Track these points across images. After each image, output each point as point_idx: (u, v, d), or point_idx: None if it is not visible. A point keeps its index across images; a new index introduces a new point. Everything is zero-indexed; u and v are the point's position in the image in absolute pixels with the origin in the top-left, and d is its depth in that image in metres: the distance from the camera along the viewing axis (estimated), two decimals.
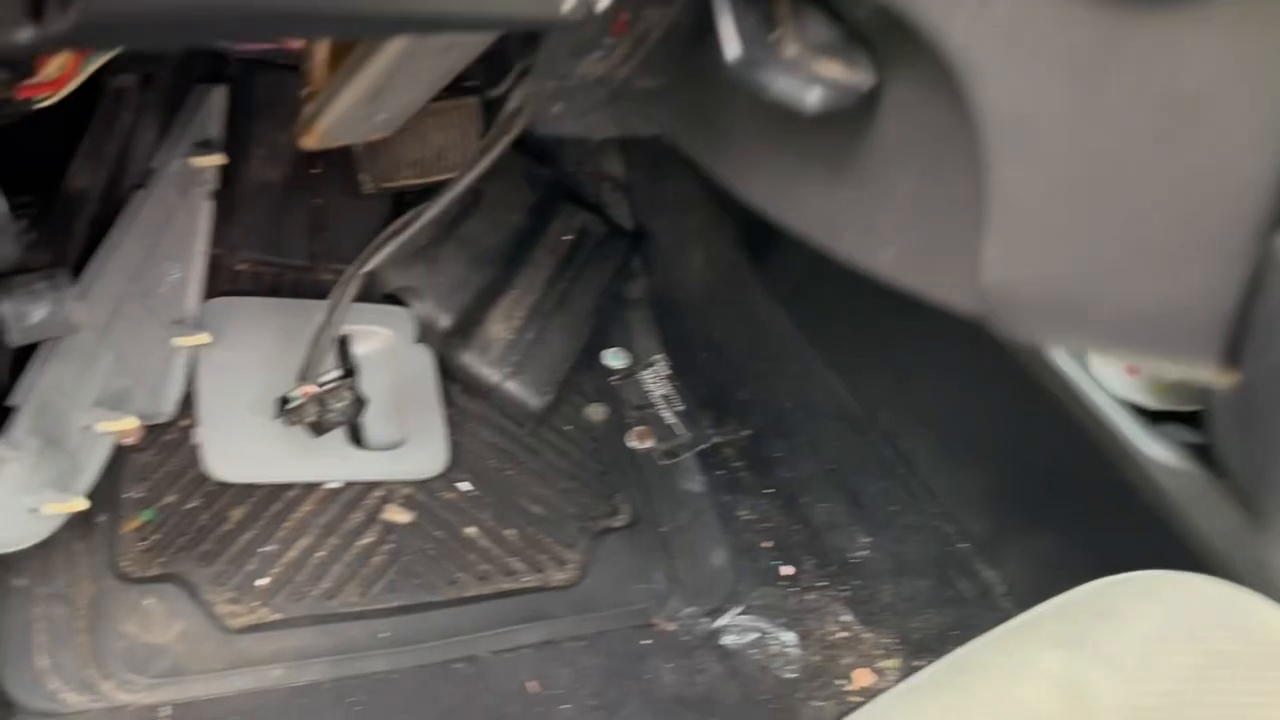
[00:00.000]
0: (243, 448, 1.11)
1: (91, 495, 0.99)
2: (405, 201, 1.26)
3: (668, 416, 1.37)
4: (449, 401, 1.26)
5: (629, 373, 1.39)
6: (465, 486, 1.22)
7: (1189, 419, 0.89)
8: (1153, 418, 1.00)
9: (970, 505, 1.15)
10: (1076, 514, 1.09)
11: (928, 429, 1.18)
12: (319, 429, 1.07)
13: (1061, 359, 1.00)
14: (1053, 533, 1.11)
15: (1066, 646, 0.70)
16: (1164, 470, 0.96)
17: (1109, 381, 1.02)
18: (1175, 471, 0.94)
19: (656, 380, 1.39)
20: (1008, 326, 0.73)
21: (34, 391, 0.96)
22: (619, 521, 1.27)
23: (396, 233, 1.06)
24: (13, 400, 0.96)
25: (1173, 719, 0.66)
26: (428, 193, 1.08)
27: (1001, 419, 1.10)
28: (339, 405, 1.04)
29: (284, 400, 1.07)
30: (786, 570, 1.26)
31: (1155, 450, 0.96)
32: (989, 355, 1.05)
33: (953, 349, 1.10)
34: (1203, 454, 0.85)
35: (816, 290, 1.26)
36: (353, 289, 1.06)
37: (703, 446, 1.35)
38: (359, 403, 1.08)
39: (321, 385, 1.05)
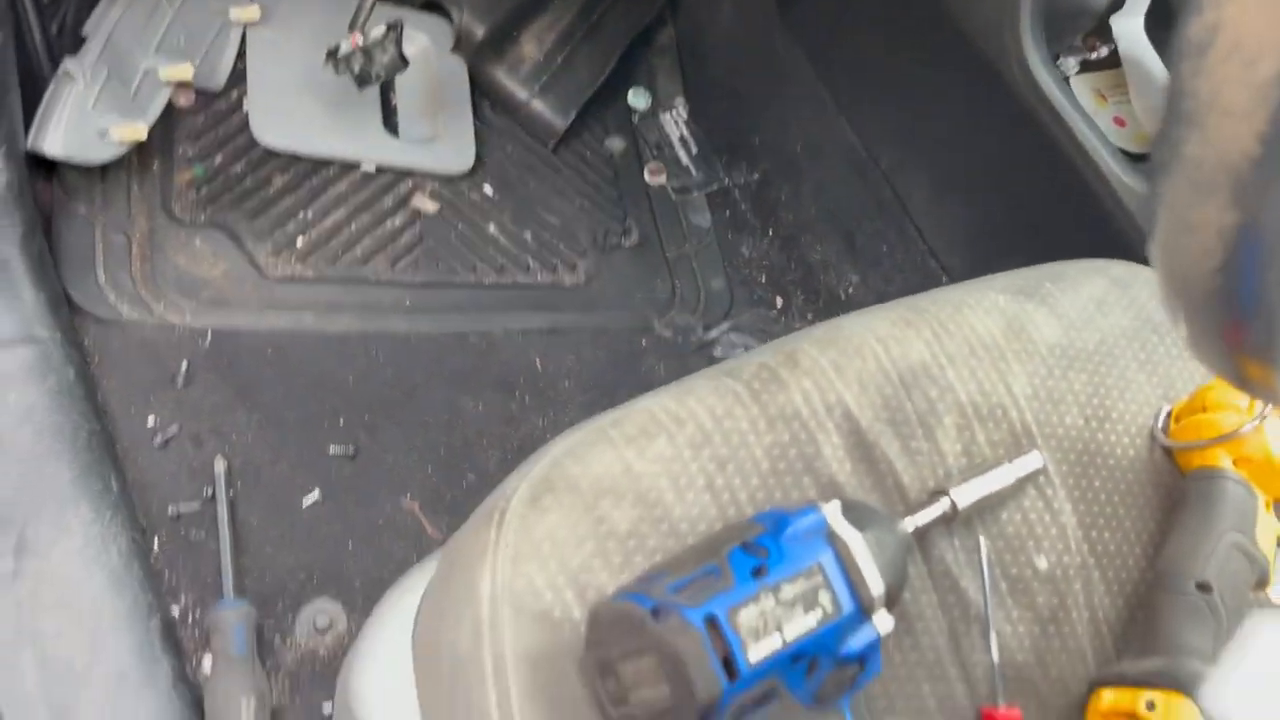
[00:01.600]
0: (288, 118, 1.19)
1: (148, 142, 1.08)
2: None
3: (683, 157, 1.45)
4: (477, 115, 1.33)
5: (650, 113, 1.46)
6: (488, 190, 1.31)
7: None
8: (1133, 159, 1.08)
9: (955, 242, 1.24)
10: (1053, 249, 1.18)
11: (925, 170, 1.26)
12: (362, 81, 1.14)
13: (1061, 104, 1.07)
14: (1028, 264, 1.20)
15: (1018, 294, 0.79)
16: (1139, 198, 1.05)
17: (1100, 129, 1.10)
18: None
19: (675, 122, 1.46)
20: None
21: (103, 23, 1.04)
22: (628, 241, 1.36)
23: None
24: (85, 30, 1.03)
25: (1098, 365, 0.76)
26: None
27: (996, 158, 1.18)
28: (383, 59, 1.11)
29: (333, 50, 1.14)
30: (778, 300, 1.36)
31: (1133, 181, 1.04)
32: (994, 98, 1.12)
33: (957, 91, 1.17)
34: None
35: (837, 40, 1.32)
36: None
37: (713, 188, 1.43)
38: (402, 60, 1.15)
39: (369, 37, 1.11)
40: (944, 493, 0.60)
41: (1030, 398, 0.70)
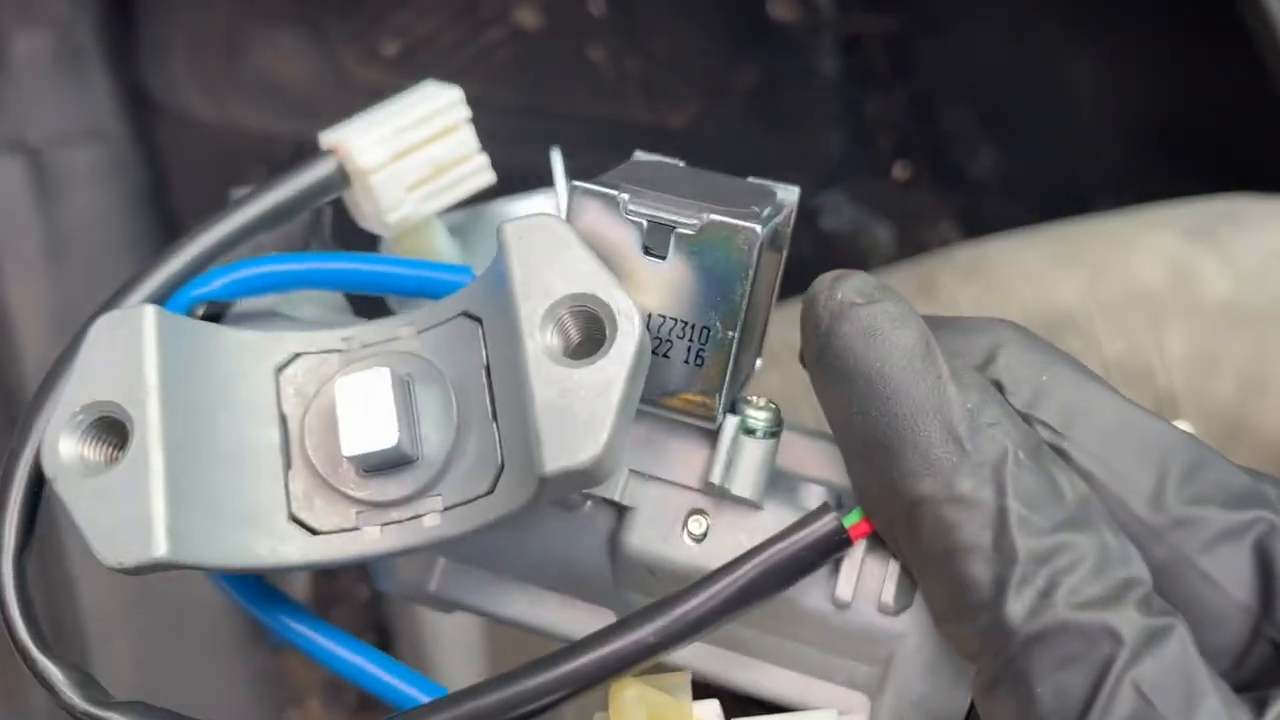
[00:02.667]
0: None
1: None
2: None
3: None
4: None
5: None
6: (598, 9, 1.19)
7: None
8: None
9: (1117, 137, 1.10)
10: (1232, 172, 1.04)
11: (1097, 47, 1.10)
12: None
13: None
14: (1190, 177, 1.06)
15: (1186, 235, 0.68)
16: None
17: None
18: None
19: None
20: None
21: None
22: (742, 84, 1.24)
23: None
24: None
25: (1266, 328, 0.66)
26: None
27: (1183, 46, 1.02)
28: None
29: None
30: (900, 170, 1.24)
31: None
32: None
33: None
34: None
35: None
36: None
37: (846, 35, 1.28)
38: None
39: None
40: None
41: (1183, 361, 0.62)
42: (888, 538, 0.27)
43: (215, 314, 0.31)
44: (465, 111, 0.34)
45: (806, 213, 1.22)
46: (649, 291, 0.27)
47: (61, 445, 0.25)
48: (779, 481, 0.29)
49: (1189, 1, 0.96)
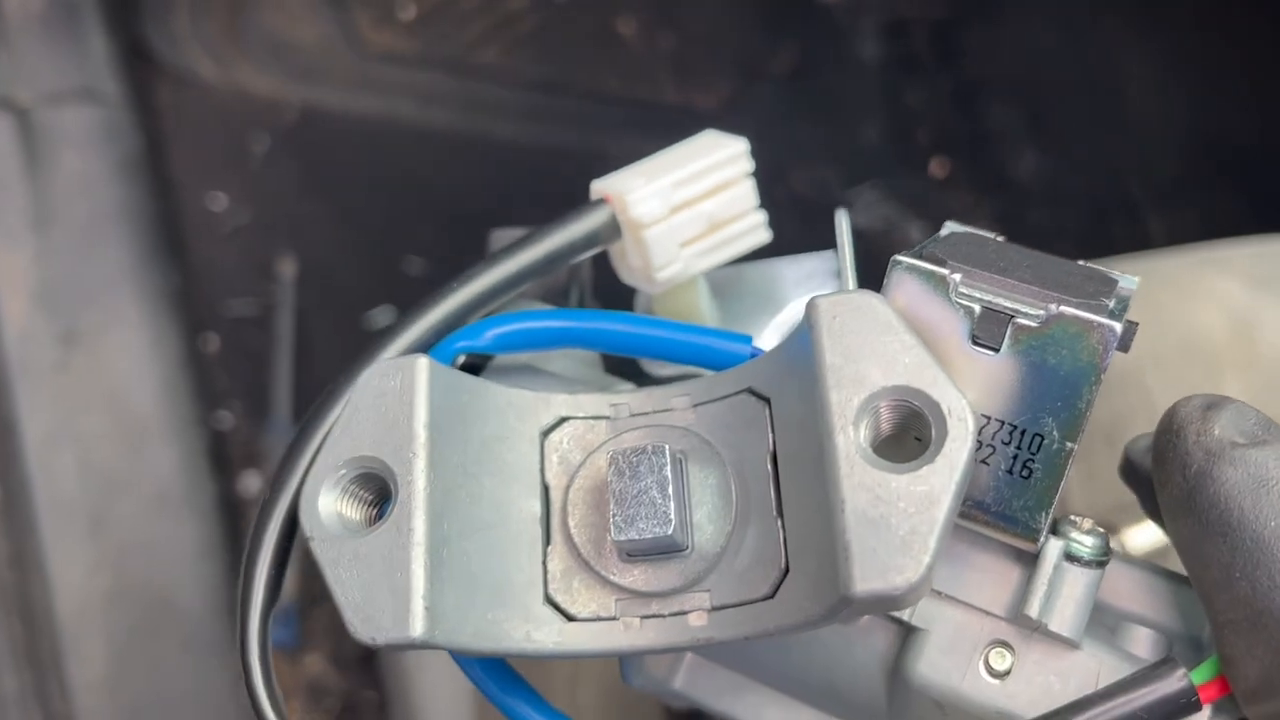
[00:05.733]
0: None
1: None
2: None
3: None
4: None
5: None
6: None
7: None
8: None
9: (1169, 150, 1.04)
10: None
11: (1156, 52, 1.03)
12: None
13: None
14: (1244, 195, 1.00)
15: (1249, 283, 0.64)
16: None
17: None
18: None
19: None
20: None
21: None
22: (778, 67, 1.17)
23: None
24: None
25: None
26: None
27: (1253, 61, 0.95)
28: None
29: None
30: (938, 167, 1.18)
31: None
32: None
33: None
34: None
35: None
36: None
37: (891, 19, 1.21)
38: None
39: None
40: (1110, 531, 0.49)
41: None
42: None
43: (475, 366, 0.28)
44: (749, 165, 0.31)
45: (836, 207, 1.16)
46: (972, 386, 0.24)
47: (321, 502, 0.23)
48: (1095, 616, 0.26)
49: (1268, 23, 0.89)
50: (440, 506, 0.23)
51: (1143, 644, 0.26)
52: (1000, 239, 0.28)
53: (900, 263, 0.24)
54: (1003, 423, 0.24)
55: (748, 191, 0.31)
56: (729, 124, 1.11)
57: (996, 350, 0.23)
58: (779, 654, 0.28)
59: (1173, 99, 1.03)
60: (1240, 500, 0.22)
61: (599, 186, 0.30)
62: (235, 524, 0.81)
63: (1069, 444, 0.23)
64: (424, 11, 1.02)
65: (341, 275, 0.94)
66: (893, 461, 0.21)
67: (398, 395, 0.23)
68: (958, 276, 0.23)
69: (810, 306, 0.22)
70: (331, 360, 0.92)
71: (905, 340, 0.22)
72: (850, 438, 0.21)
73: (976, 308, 0.23)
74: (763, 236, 0.32)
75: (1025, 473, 0.24)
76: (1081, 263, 0.27)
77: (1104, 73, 1.07)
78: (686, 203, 0.30)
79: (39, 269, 0.78)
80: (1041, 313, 0.23)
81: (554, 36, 1.07)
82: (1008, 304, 0.23)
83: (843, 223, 0.32)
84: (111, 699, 0.67)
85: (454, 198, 1.00)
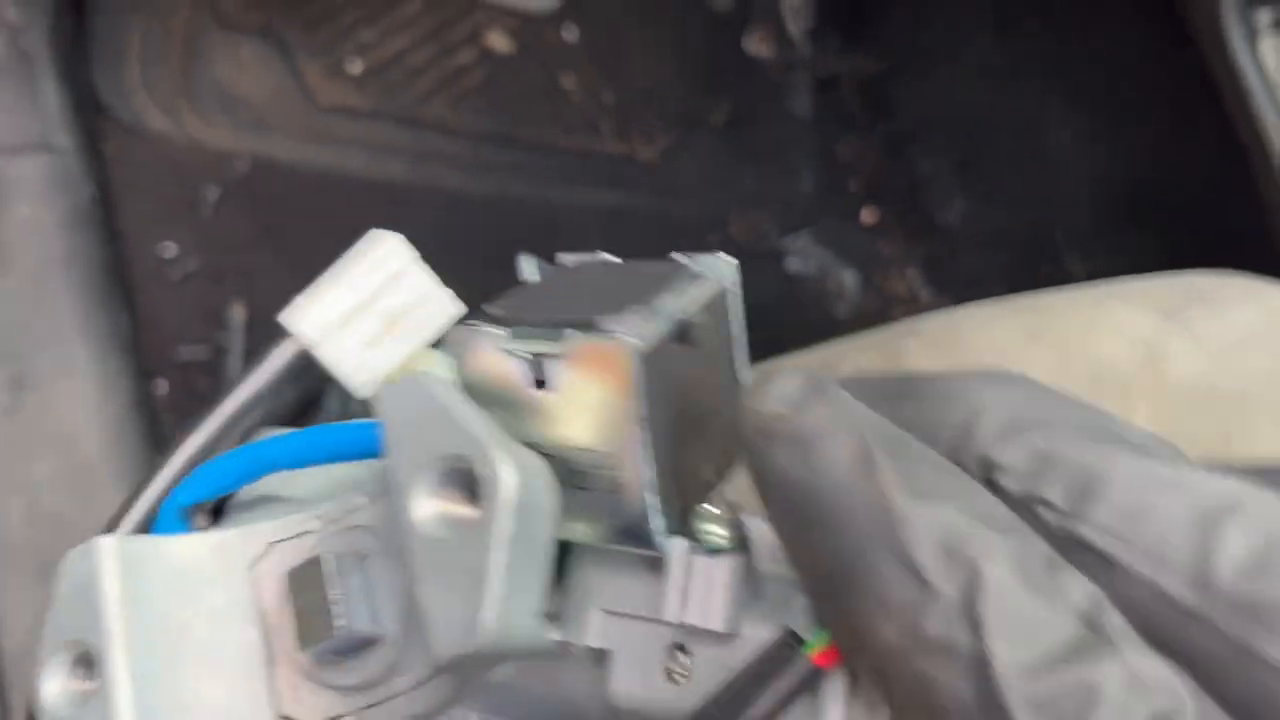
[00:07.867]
0: None
1: None
2: None
3: (793, 29, 1.28)
4: None
5: None
6: (571, 36, 1.16)
7: None
8: None
9: (1089, 196, 1.10)
10: (1200, 240, 1.04)
11: (1075, 106, 1.10)
12: None
13: (1243, 66, 0.91)
14: (1157, 239, 1.07)
15: (1156, 314, 0.67)
16: None
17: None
18: None
19: None
20: None
21: None
22: (716, 119, 1.22)
23: None
24: None
25: (1240, 412, 0.65)
26: None
27: (1160, 114, 1.02)
28: None
29: None
30: (869, 215, 1.23)
31: None
32: (1170, 45, 0.95)
33: (1128, 23, 1.00)
34: None
35: None
36: None
37: (822, 75, 1.27)
38: None
39: None
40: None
41: None
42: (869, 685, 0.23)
43: (219, 506, 0.31)
44: (409, 252, 0.32)
45: (773, 254, 1.20)
46: (553, 423, 0.25)
47: (45, 687, 0.26)
48: (767, 590, 0.26)
49: (1171, 76, 0.96)
50: (150, 668, 0.25)
51: (804, 611, 0.26)
52: (606, 259, 0.30)
53: (468, 327, 0.26)
54: (584, 449, 0.25)
55: (420, 277, 0.32)
56: (670, 173, 1.15)
57: (554, 390, 0.25)
58: (524, 696, 0.29)
59: (1089, 147, 1.09)
60: (787, 469, 0.22)
61: (283, 318, 0.32)
62: None
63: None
64: (372, 66, 1.05)
65: None
66: (455, 527, 0.23)
67: (88, 579, 0.25)
68: (503, 333, 0.25)
69: (374, 397, 0.25)
70: None
71: (451, 409, 0.24)
72: (410, 510, 0.24)
73: (528, 356, 0.25)
74: (451, 311, 0.32)
75: (616, 487, 0.25)
76: (678, 257, 0.28)
77: (1027, 126, 1.13)
78: (357, 308, 0.31)
79: None
80: (558, 348, 0.24)
81: (500, 90, 1.11)
82: (541, 347, 0.25)
83: (528, 267, 0.32)
84: None
85: None
